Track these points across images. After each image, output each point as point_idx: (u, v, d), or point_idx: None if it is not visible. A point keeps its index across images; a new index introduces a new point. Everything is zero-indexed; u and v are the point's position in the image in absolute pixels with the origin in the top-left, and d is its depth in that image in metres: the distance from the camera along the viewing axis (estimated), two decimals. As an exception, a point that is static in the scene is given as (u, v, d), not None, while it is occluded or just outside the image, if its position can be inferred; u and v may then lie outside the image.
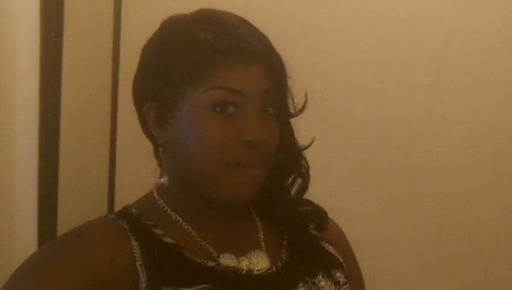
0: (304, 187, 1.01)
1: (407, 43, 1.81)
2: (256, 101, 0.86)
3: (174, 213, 0.92)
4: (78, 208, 1.55)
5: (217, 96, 0.85)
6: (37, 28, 1.36)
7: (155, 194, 0.95)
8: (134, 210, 0.93)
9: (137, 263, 0.84)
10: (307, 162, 1.01)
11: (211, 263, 0.88)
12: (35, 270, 0.83)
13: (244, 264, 0.91)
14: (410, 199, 1.85)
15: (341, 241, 1.06)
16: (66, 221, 1.49)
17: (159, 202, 0.94)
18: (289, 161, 0.97)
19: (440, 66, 1.82)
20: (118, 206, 1.74)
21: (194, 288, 0.84)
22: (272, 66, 0.86)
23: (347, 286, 0.97)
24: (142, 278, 0.83)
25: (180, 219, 0.92)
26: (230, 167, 0.86)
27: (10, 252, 1.38)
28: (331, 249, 1.00)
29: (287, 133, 0.95)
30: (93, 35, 1.59)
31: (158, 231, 0.90)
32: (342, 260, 0.99)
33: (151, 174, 0.96)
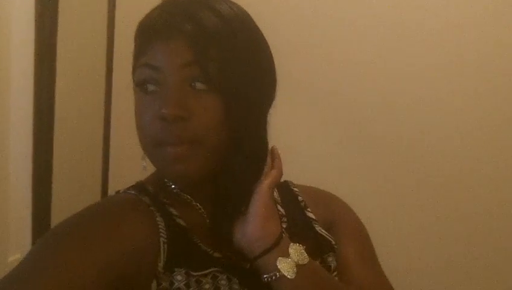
0: (255, 170, 0.88)
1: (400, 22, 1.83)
2: (175, 76, 0.83)
3: (182, 193, 0.91)
4: (71, 192, 1.56)
5: (140, 74, 0.85)
6: (32, 16, 1.36)
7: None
8: (150, 188, 0.91)
9: (161, 239, 0.84)
10: (264, 146, 0.90)
11: (217, 254, 0.88)
12: (64, 246, 0.79)
13: None
14: (402, 177, 1.88)
15: (331, 205, 1.04)
16: (60, 206, 1.50)
17: (166, 181, 0.92)
18: (238, 141, 0.87)
19: (429, 47, 1.84)
20: (111, 192, 1.76)
21: (204, 272, 0.84)
22: (192, 40, 0.83)
23: (336, 272, 0.96)
24: (162, 255, 0.83)
25: (191, 198, 0.91)
26: (156, 146, 0.84)
27: (5, 238, 1.39)
28: (324, 232, 0.99)
29: (237, 111, 0.85)
30: (87, 19, 1.60)
31: (173, 211, 0.89)
32: (333, 242, 0.99)
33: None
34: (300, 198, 1.03)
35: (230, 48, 0.85)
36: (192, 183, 0.88)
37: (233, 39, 0.85)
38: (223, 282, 0.86)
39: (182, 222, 0.88)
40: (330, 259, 0.97)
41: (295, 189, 1.05)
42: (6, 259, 1.37)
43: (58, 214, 1.48)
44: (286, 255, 0.85)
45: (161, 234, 0.84)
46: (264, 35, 0.92)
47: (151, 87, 0.85)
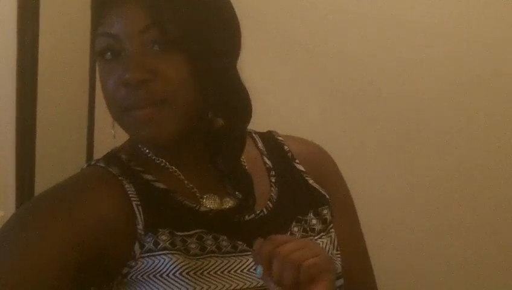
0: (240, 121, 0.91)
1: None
2: (134, 42, 0.83)
3: (157, 157, 0.92)
4: (56, 148, 1.56)
5: (99, 44, 0.86)
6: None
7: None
8: (123, 156, 0.92)
9: (134, 203, 0.85)
10: (244, 97, 0.90)
11: (203, 208, 0.89)
12: (32, 224, 0.81)
13: (228, 205, 0.92)
14: (387, 129, 1.83)
15: (323, 165, 1.05)
16: (45, 162, 1.50)
17: (140, 146, 0.93)
18: (209, 98, 0.87)
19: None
20: (96, 155, 1.75)
21: (189, 233, 0.86)
22: (147, 3, 0.83)
23: (332, 225, 0.97)
24: (139, 218, 0.84)
25: (165, 162, 0.92)
26: (124, 111, 0.85)
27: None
28: (316, 185, 1.00)
29: (202, 66, 0.85)
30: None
31: (149, 177, 0.90)
32: (327, 196, 0.99)
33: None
34: (286, 148, 1.02)
35: (187, 6, 0.85)
36: (164, 146, 0.89)
37: None
38: (208, 242, 0.87)
39: (161, 185, 0.89)
40: (325, 211, 0.98)
41: (280, 138, 1.04)
42: (-10, 217, 1.38)
43: (43, 171, 1.49)
44: None
45: (132, 199, 0.85)
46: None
47: (112, 55, 0.85)
